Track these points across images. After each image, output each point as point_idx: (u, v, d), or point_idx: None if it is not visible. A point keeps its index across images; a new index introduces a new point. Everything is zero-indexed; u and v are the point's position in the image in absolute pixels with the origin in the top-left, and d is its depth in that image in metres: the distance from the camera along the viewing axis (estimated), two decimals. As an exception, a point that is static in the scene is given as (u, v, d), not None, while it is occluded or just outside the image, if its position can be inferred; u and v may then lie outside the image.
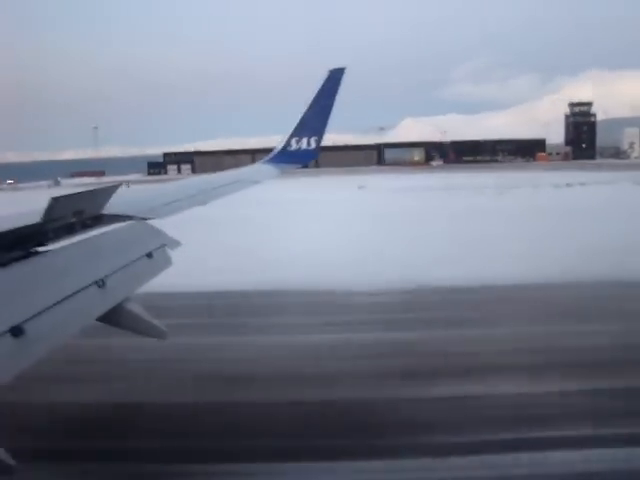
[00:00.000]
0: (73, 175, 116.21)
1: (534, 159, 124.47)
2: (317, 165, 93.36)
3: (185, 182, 11.68)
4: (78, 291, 5.08)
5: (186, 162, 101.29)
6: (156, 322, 6.47)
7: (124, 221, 6.85)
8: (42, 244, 5.43)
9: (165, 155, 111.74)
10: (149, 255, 6.51)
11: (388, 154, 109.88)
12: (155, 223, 7.24)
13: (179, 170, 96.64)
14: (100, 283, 5.36)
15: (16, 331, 4.15)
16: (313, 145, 15.74)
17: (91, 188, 6.33)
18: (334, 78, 15.32)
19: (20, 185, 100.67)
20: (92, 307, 5.29)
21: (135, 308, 6.30)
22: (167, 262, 6.79)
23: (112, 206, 6.51)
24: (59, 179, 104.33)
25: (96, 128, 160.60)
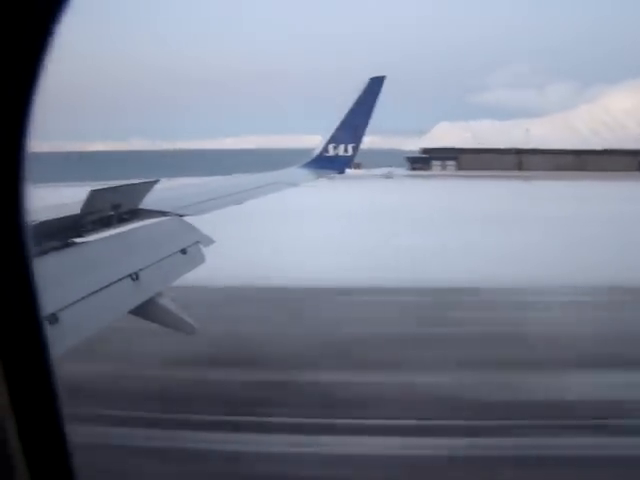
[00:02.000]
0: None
1: None
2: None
3: (222, 181, 11.82)
4: (112, 283, 5.16)
5: (450, 159, 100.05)
6: (186, 317, 6.55)
7: (160, 216, 6.95)
8: (80, 235, 5.53)
9: (426, 150, 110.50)
10: (183, 251, 6.60)
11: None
12: (190, 220, 7.34)
13: (443, 166, 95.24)
14: (134, 276, 5.44)
15: (51, 319, 4.24)
16: (350, 152, 15.80)
17: (129, 182, 6.45)
18: (374, 86, 15.40)
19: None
20: (125, 299, 5.37)
21: (167, 303, 6.38)
22: (200, 259, 6.87)
23: (149, 201, 6.62)
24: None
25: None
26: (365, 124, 15.75)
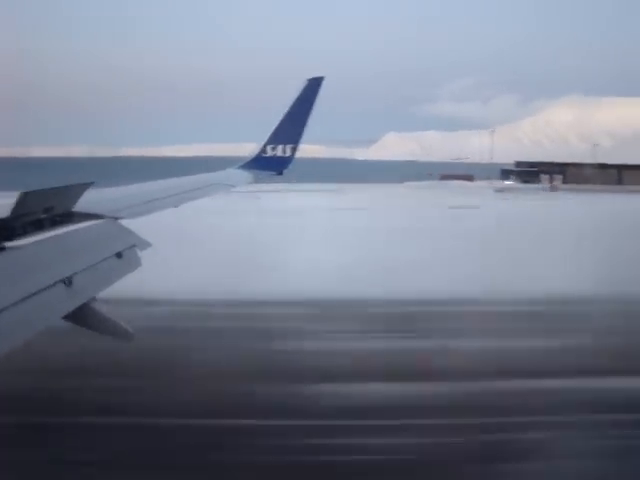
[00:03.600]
0: (442, 177, 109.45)
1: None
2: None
3: (158, 184, 11.62)
4: (44, 288, 5.02)
5: (557, 172, 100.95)
6: (122, 323, 6.41)
7: (94, 220, 6.79)
8: (10, 239, 5.36)
9: (519, 164, 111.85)
10: (118, 255, 6.46)
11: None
12: (126, 223, 7.19)
13: (551, 180, 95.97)
14: (67, 281, 5.30)
15: None
16: (289, 153, 15.78)
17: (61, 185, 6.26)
18: (312, 87, 15.42)
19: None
20: (58, 305, 5.23)
21: (102, 308, 6.24)
22: (136, 263, 6.74)
23: (83, 204, 6.45)
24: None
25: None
26: (303, 125, 15.75)
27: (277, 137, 15.69)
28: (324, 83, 15.44)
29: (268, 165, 15.75)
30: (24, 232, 5.52)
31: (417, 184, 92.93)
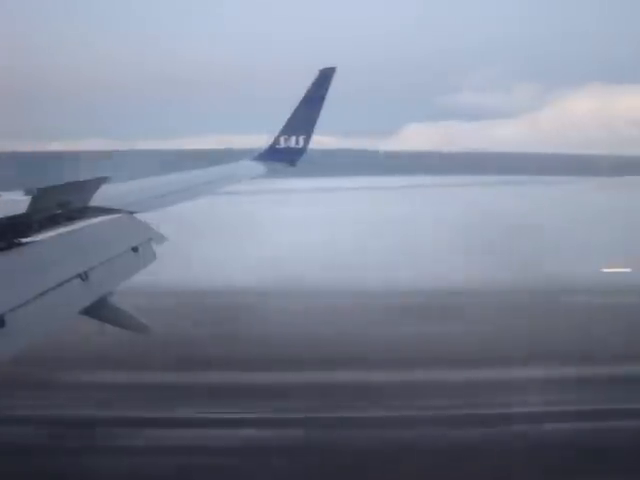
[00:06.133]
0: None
1: None
2: None
3: (172, 177, 11.65)
4: (61, 283, 5.04)
5: None
6: (138, 317, 6.44)
7: (110, 214, 6.80)
8: (26, 235, 5.38)
9: None
10: (134, 249, 6.47)
11: None
12: (142, 217, 7.20)
13: None
14: (83, 276, 5.31)
15: None
16: (302, 143, 15.76)
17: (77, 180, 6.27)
18: (324, 77, 15.37)
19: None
20: (75, 300, 5.25)
21: (118, 302, 6.26)
22: (152, 257, 6.75)
23: (99, 199, 6.46)
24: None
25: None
26: (316, 115, 15.72)
27: (290, 128, 15.67)
28: (341, 72, 15.38)
29: (281, 156, 15.74)
30: (41, 227, 5.54)
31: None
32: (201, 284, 20.13)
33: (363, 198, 45.65)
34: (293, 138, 15.69)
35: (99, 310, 5.91)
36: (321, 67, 15.36)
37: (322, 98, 15.42)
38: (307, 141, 15.86)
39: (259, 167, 15.14)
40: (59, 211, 5.83)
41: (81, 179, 6.24)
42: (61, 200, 5.81)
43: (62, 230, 5.83)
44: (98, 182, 6.30)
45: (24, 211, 5.23)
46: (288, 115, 15.74)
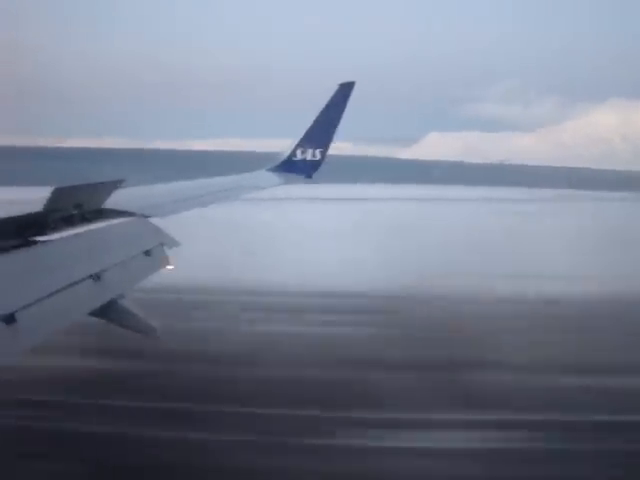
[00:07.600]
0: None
1: None
2: None
3: (188, 184, 11.73)
4: (73, 283, 5.08)
5: None
6: (148, 320, 6.47)
7: (124, 217, 6.86)
8: (42, 234, 5.44)
9: None
10: (147, 253, 6.52)
11: None
12: (155, 221, 7.26)
13: None
14: (95, 277, 5.36)
15: (9, 319, 4.15)
16: (318, 156, 15.82)
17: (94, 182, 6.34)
18: (343, 92, 15.46)
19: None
20: (86, 300, 5.29)
21: (129, 304, 6.30)
22: (164, 261, 6.79)
23: (114, 201, 6.52)
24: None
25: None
26: (334, 129, 15.80)
27: (307, 141, 15.75)
28: (364, 81, 15.47)
29: (298, 168, 15.80)
30: (55, 227, 5.60)
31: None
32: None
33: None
34: (310, 151, 15.76)
35: (108, 311, 5.95)
36: (347, 73, 15.50)
37: (340, 112, 15.49)
38: (324, 154, 15.92)
39: (275, 178, 15.20)
40: (75, 211, 5.90)
41: (96, 178, 6.32)
42: (77, 201, 5.88)
43: (76, 231, 5.90)
44: (114, 184, 6.37)
45: (40, 210, 5.30)
46: (307, 121, 15.84)
